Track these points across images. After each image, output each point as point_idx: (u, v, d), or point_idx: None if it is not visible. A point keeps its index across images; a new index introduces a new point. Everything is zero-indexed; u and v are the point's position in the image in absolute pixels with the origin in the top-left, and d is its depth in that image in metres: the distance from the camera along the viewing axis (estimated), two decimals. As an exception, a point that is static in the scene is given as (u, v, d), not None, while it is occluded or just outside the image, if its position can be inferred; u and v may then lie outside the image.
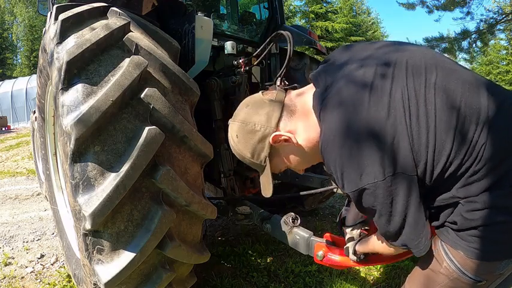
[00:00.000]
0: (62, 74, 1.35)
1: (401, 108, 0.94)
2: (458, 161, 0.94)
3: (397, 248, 1.08)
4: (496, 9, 8.55)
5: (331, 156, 0.99)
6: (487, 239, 0.97)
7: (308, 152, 1.13)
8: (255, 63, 2.23)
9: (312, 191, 2.09)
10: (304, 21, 23.03)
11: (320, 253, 1.62)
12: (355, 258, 1.41)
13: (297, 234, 1.79)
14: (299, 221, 1.85)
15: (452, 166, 0.95)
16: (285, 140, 1.11)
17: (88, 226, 1.30)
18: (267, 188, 1.21)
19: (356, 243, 1.41)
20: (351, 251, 1.43)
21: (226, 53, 2.19)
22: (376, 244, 1.25)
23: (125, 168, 1.30)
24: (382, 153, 0.92)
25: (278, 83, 1.27)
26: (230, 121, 1.19)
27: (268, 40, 1.91)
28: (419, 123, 0.93)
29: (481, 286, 1.05)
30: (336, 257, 1.57)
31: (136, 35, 1.55)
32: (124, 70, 1.38)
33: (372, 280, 2.44)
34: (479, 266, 1.00)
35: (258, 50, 2.04)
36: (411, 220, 0.97)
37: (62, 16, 1.50)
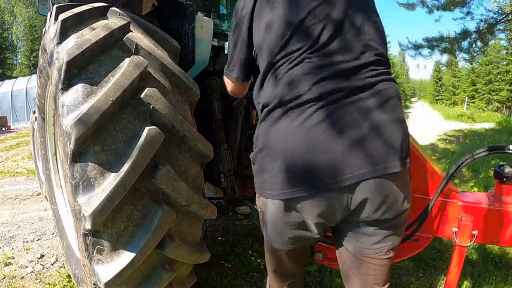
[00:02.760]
0: (62, 74, 1.35)
1: None
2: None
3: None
4: (496, 9, 8.55)
5: None
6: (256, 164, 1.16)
7: None
8: (255, 63, 2.23)
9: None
10: (304, 21, 22.75)
11: (320, 253, 1.62)
12: None
13: (297, 234, 1.79)
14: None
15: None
16: None
17: (88, 226, 1.30)
18: None
19: None
20: None
21: (226, 53, 2.18)
22: None
23: (125, 168, 1.30)
24: None
25: None
26: None
27: None
28: None
29: (260, 221, 1.26)
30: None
31: (137, 35, 1.55)
32: (124, 70, 1.38)
33: (372, 280, 2.43)
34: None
35: None
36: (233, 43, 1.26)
37: (62, 16, 1.50)
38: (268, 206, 1.16)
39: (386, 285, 1.25)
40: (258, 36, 1.16)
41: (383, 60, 1.13)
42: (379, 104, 1.05)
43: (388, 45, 1.29)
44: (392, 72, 1.23)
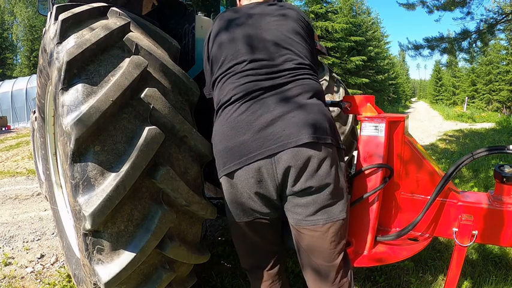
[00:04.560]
0: (62, 74, 1.35)
1: None
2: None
3: None
4: (496, 9, 8.54)
5: None
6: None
7: None
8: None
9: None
10: (304, 21, 22.77)
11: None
12: None
13: (297, 234, 1.79)
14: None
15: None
16: None
17: (88, 226, 1.30)
18: None
19: None
20: None
21: None
22: None
23: (125, 168, 1.30)
24: None
25: None
26: None
27: None
28: None
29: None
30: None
31: (136, 35, 1.55)
32: (124, 70, 1.38)
33: (371, 280, 2.44)
34: None
35: None
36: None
37: (62, 16, 1.50)
38: (222, 183, 1.44)
39: (337, 265, 1.39)
40: (211, 61, 1.57)
41: (303, 67, 1.45)
42: (292, 95, 1.37)
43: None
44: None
